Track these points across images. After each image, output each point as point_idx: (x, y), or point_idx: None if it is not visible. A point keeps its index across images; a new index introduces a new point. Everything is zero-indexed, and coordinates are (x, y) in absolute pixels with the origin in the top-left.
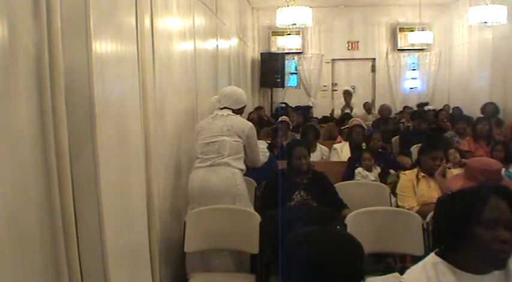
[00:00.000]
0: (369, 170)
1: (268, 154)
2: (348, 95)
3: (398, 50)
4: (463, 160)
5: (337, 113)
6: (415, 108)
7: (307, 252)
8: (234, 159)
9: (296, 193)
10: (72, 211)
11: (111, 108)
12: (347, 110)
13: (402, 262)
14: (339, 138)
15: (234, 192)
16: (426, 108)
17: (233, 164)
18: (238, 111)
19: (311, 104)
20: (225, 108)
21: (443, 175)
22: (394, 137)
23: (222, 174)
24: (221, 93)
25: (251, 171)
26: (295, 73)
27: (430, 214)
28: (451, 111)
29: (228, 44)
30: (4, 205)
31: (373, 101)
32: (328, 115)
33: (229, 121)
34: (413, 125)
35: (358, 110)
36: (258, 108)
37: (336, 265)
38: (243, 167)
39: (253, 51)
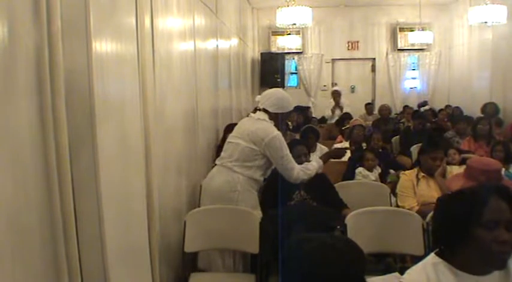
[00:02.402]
0: (371, 170)
1: (310, 172)
2: (337, 94)
3: (399, 50)
4: (464, 155)
5: (328, 113)
6: (416, 108)
7: (308, 268)
8: (241, 165)
9: (296, 193)
10: (72, 211)
11: (111, 108)
12: (337, 110)
13: (402, 262)
14: (339, 138)
15: (231, 198)
16: (422, 109)
17: (238, 169)
18: (276, 117)
19: (310, 105)
20: (263, 110)
21: (443, 175)
22: (394, 137)
23: (223, 177)
24: (263, 92)
25: None
26: (295, 73)
27: (430, 214)
28: (451, 111)
29: (228, 44)
30: (4, 205)
31: (373, 101)
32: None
33: (254, 125)
34: (413, 125)
35: (349, 109)
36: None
37: (339, 279)
38: (253, 175)
39: (253, 51)
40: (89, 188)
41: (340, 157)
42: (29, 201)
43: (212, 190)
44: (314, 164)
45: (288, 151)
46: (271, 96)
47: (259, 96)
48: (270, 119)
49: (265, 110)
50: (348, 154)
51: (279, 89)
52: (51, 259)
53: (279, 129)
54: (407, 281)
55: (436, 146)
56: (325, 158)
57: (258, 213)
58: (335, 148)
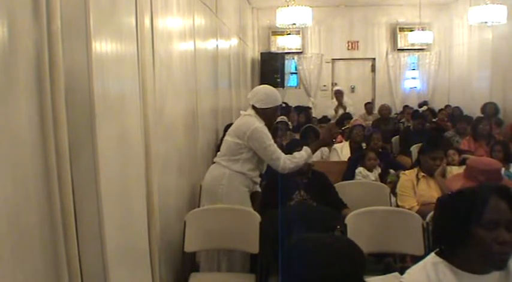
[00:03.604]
0: (371, 170)
1: (297, 161)
2: (339, 94)
3: (398, 49)
4: (463, 155)
5: (331, 113)
6: (416, 108)
7: (308, 268)
8: (228, 160)
9: (296, 193)
10: (72, 211)
11: (111, 108)
12: (340, 110)
13: (402, 262)
14: (339, 138)
15: (216, 192)
16: (421, 109)
17: (225, 163)
18: (263, 112)
19: (310, 105)
20: (252, 106)
21: (443, 175)
22: (394, 137)
23: (212, 173)
24: (252, 90)
25: None
26: (295, 73)
27: (430, 214)
28: (450, 111)
29: (228, 44)
30: (4, 205)
31: (373, 101)
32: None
33: (240, 121)
34: (413, 125)
35: (352, 109)
36: None
37: (339, 279)
38: (241, 169)
39: (253, 51)
40: (89, 188)
41: (330, 144)
42: (29, 201)
43: (205, 186)
44: (302, 153)
45: (271, 141)
46: (257, 93)
47: (249, 94)
48: (258, 114)
49: (254, 107)
50: (345, 150)
51: (266, 85)
52: (51, 259)
53: (271, 124)
54: (407, 281)
55: (436, 146)
56: (314, 147)
57: None
58: (324, 130)
